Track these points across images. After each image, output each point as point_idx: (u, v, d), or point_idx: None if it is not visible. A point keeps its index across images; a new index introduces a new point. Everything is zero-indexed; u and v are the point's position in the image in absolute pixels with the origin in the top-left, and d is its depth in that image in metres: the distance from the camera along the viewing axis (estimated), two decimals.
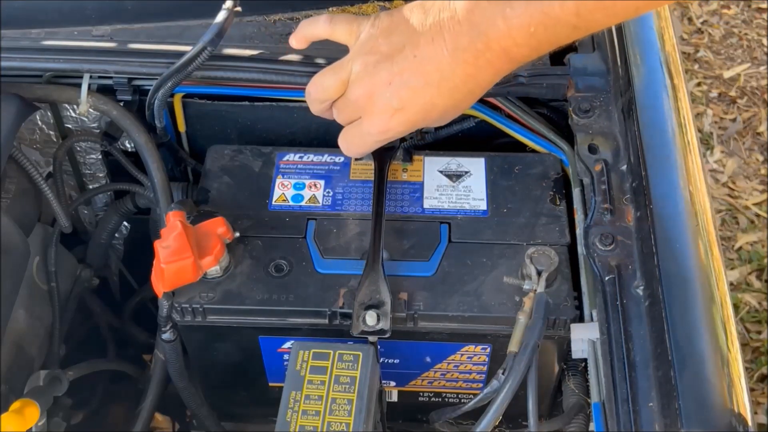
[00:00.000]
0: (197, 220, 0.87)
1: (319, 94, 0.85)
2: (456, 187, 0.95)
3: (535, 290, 0.81)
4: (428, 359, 0.91)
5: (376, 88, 0.80)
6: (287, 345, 0.89)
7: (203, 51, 0.90)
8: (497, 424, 0.78)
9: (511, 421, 0.99)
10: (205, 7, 0.99)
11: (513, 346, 0.78)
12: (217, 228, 0.85)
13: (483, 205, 0.93)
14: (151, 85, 0.96)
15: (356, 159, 0.97)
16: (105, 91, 1.00)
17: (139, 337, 1.26)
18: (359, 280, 0.84)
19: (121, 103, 1.01)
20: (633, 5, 0.73)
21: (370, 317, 0.81)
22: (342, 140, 0.87)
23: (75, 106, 1.02)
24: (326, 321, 0.85)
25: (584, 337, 0.80)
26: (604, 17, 0.72)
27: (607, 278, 0.79)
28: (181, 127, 1.07)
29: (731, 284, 2.04)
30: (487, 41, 0.74)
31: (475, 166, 0.96)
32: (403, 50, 0.78)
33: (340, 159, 0.98)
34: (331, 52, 1.01)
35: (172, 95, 1.01)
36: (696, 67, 2.57)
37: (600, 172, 0.87)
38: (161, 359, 1.01)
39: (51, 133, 1.09)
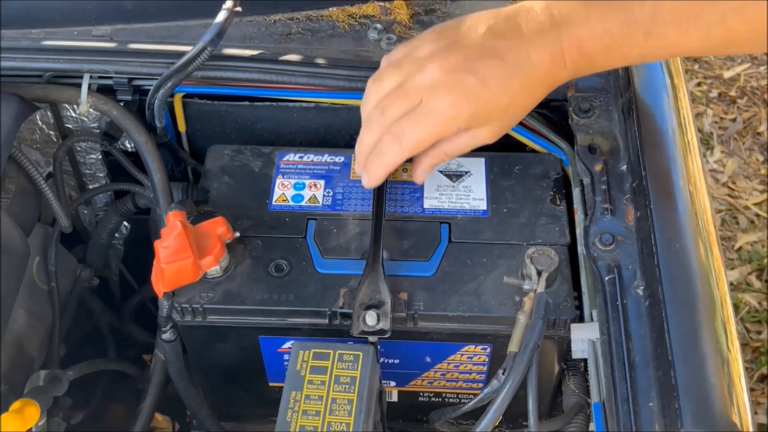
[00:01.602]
0: (197, 220, 0.87)
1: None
2: (456, 187, 0.94)
3: (535, 290, 0.81)
4: (428, 359, 0.91)
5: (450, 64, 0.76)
6: (287, 345, 0.89)
7: (203, 51, 0.90)
8: (497, 424, 0.78)
9: (511, 421, 0.99)
10: (205, 7, 0.99)
11: (513, 346, 0.78)
12: (217, 228, 0.85)
13: (483, 205, 0.93)
14: (151, 85, 0.96)
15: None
16: (105, 91, 1.00)
17: (139, 337, 1.26)
18: (359, 280, 0.84)
19: (121, 103, 1.01)
20: (704, 27, 0.72)
21: (370, 317, 0.81)
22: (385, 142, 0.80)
23: (75, 106, 1.02)
24: (326, 321, 0.85)
25: (584, 337, 0.80)
26: (675, 31, 0.72)
27: (607, 278, 0.79)
28: (181, 127, 1.07)
29: (731, 284, 2.03)
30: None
31: (475, 166, 0.96)
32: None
33: (340, 159, 0.98)
34: (331, 52, 1.01)
35: (172, 95, 1.01)
36: (696, 67, 2.57)
37: (600, 172, 0.87)
38: (161, 359, 1.01)
39: (51, 133, 1.09)
